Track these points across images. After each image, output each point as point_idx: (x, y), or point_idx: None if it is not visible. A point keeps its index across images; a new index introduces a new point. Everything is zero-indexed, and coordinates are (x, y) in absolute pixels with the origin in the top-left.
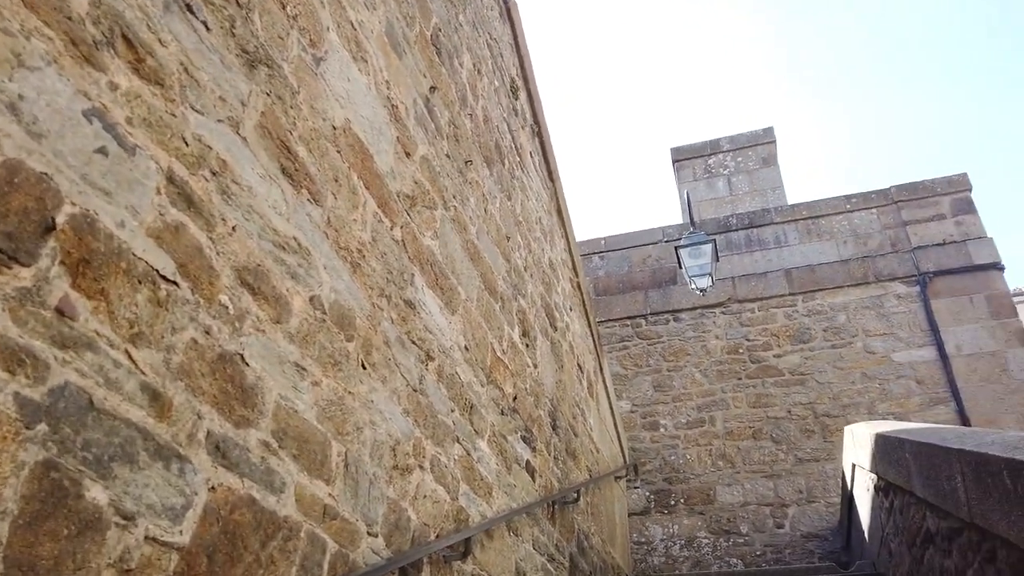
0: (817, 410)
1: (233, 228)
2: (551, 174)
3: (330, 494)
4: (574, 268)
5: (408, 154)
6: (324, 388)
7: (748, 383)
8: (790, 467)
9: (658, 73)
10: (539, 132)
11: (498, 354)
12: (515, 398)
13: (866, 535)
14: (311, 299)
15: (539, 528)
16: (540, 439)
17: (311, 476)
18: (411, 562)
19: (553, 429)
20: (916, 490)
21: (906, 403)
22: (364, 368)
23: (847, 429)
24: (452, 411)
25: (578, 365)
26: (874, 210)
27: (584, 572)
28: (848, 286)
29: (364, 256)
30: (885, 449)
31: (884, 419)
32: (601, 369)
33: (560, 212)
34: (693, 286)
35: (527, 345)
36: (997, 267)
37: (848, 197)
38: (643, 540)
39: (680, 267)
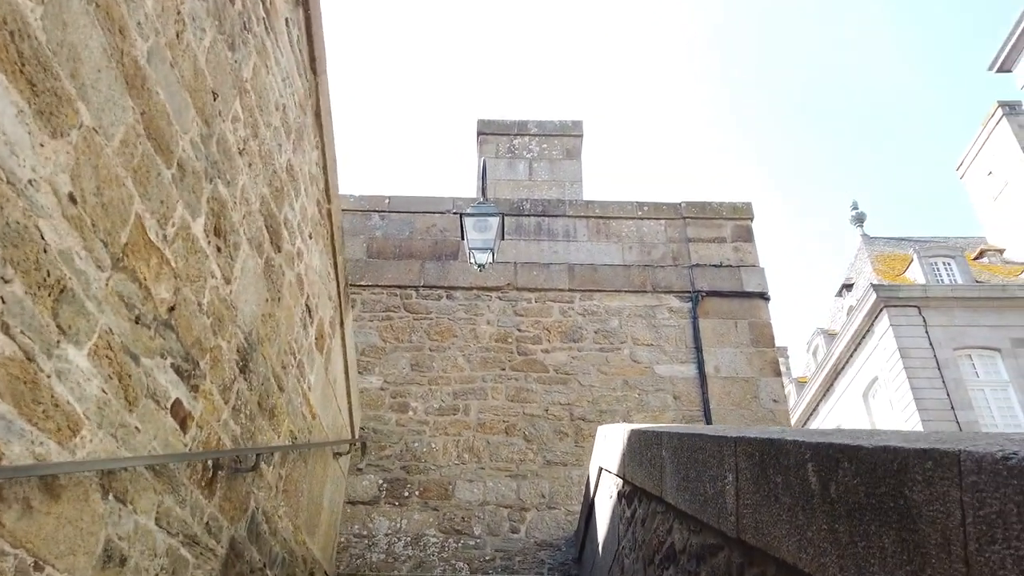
0: (574, 412)
1: None
2: (314, 64)
3: None
4: (326, 191)
5: None
6: None
7: (511, 375)
8: (537, 468)
9: (480, 43)
10: (306, 3)
11: (151, 237)
12: (172, 308)
13: (600, 548)
14: None
15: (175, 496)
16: (212, 378)
17: None
18: None
19: (241, 371)
20: (667, 495)
21: (660, 416)
22: None
23: (600, 429)
24: (7, 282)
25: (306, 307)
26: (663, 221)
27: (253, 564)
28: (626, 291)
29: None
30: (638, 447)
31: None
32: (342, 324)
33: (319, 115)
34: (472, 260)
35: (218, 248)
36: (764, 296)
37: (641, 204)
38: (365, 533)
39: (463, 237)
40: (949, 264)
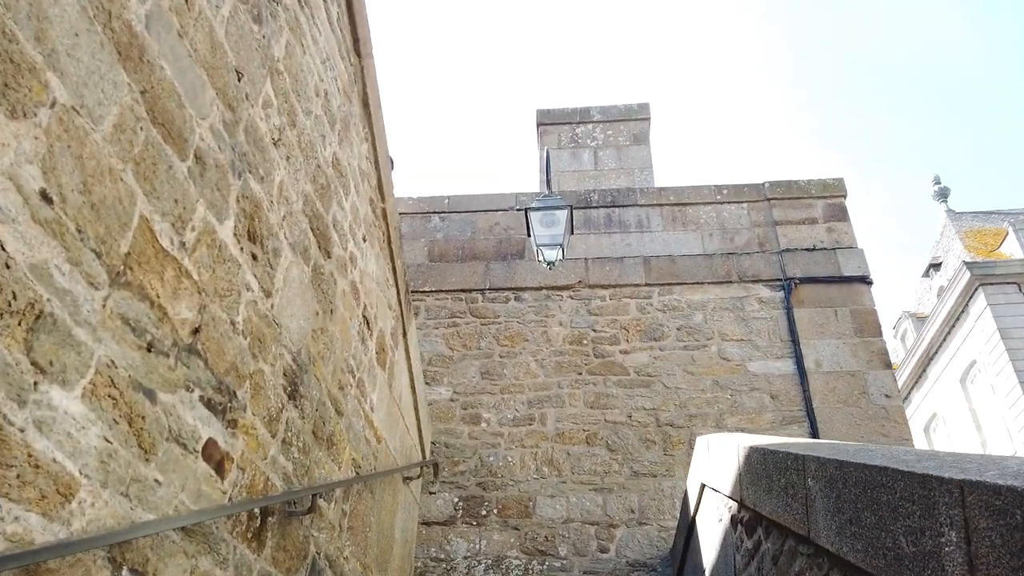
0: (661, 418)
1: None
2: (357, 45)
3: None
4: (379, 188)
5: None
6: None
7: (589, 380)
8: (624, 481)
9: (536, 31)
10: None
11: (163, 244)
12: (198, 330)
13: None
14: None
15: (215, 556)
16: (254, 409)
17: None
18: None
19: (291, 397)
20: (820, 536)
21: (757, 419)
22: None
23: (701, 440)
24: None
25: (364, 318)
26: (745, 205)
27: None
28: (709, 283)
29: None
30: (762, 469)
31: (740, 433)
32: (405, 334)
33: (367, 104)
34: (540, 258)
35: (253, 256)
36: (865, 281)
37: (719, 187)
38: (442, 556)
39: (529, 234)
40: None
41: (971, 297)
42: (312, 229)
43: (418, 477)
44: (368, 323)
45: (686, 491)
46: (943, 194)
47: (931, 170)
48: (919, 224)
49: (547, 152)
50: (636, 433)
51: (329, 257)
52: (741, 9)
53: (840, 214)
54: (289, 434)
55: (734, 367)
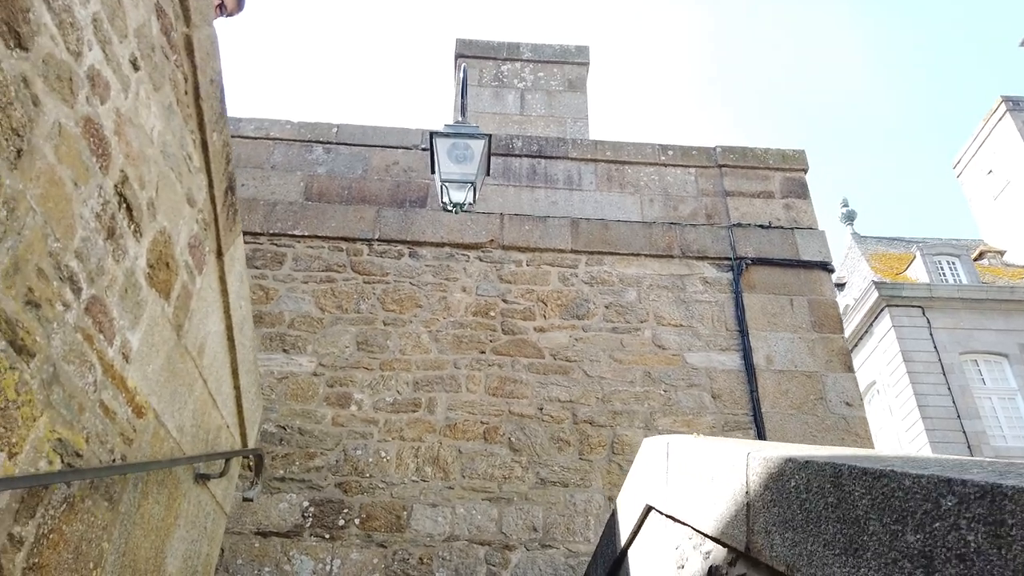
0: (578, 413)
1: None
2: None
3: None
4: (183, 5)
5: None
6: None
7: (494, 360)
8: (527, 489)
9: None
10: None
11: None
12: None
13: None
14: None
15: None
16: None
17: None
18: None
19: None
20: None
21: (695, 421)
22: None
23: (653, 444)
24: None
25: (119, 195)
26: (693, 170)
27: None
28: (646, 255)
29: None
30: (795, 494)
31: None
32: (221, 254)
33: None
34: (445, 199)
35: None
36: (827, 268)
37: (664, 147)
38: None
39: (433, 170)
40: (954, 263)
41: (876, 317)
42: None
43: (220, 476)
44: (130, 208)
45: (614, 510)
46: (850, 217)
47: (839, 195)
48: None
49: (464, 71)
50: (547, 430)
51: (20, 45)
52: None
53: (800, 190)
54: None
55: (670, 357)
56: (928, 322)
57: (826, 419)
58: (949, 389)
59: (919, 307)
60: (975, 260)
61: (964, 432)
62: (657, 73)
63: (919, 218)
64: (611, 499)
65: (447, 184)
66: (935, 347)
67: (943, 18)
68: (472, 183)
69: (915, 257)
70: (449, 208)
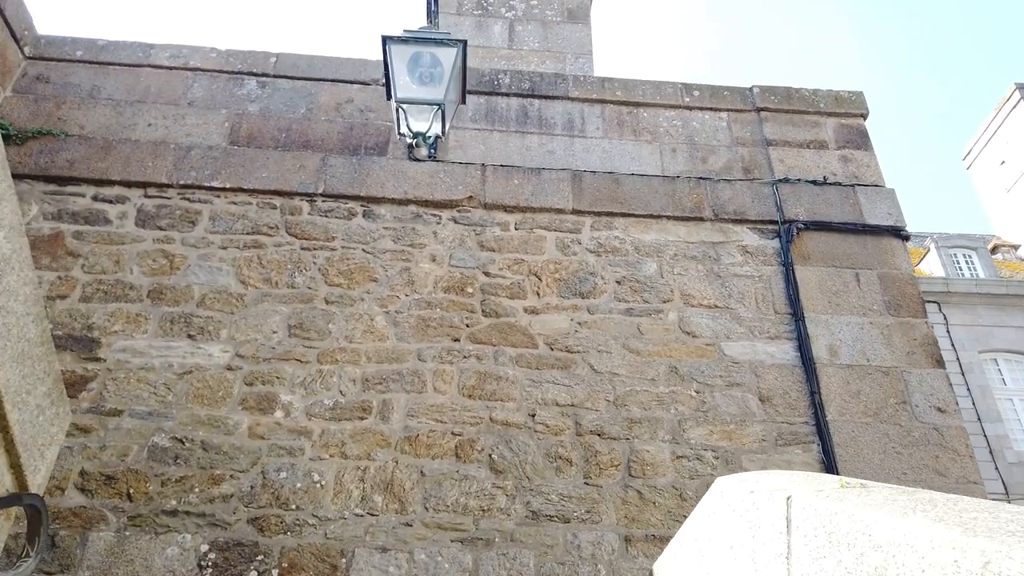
0: (583, 421)
1: None
2: None
3: None
4: None
5: None
6: None
7: (471, 351)
8: (514, 526)
9: None
10: None
11: None
12: None
13: None
14: None
15: None
16: None
17: None
18: None
19: None
20: None
21: (738, 433)
22: None
23: (744, 487)
24: None
25: None
26: (724, 114)
27: None
28: (668, 217)
29: None
30: None
31: (772, 467)
32: None
33: None
34: (403, 130)
35: None
36: (900, 234)
37: (688, 87)
38: None
39: (389, 93)
40: (970, 257)
41: None
42: None
43: None
44: None
45: None
46: None
47: None
48: None
49: None
50: (541, 444)
51: None
52: None
53: (859, 140)
54: None
55: (703, 347)
56: (945, 318)
57: (912, 430)
58: (968, 390)
59: (935, 302)
60: (990, 253)
61: (985, 436)
62: (661, 15)
63: (927, 212)
64: (628, 540)
65: (404, 107)
66: (952, 345)
67: (952, 5)
68: (440, 105)
69: (929, 250)
70: (410, 140)
